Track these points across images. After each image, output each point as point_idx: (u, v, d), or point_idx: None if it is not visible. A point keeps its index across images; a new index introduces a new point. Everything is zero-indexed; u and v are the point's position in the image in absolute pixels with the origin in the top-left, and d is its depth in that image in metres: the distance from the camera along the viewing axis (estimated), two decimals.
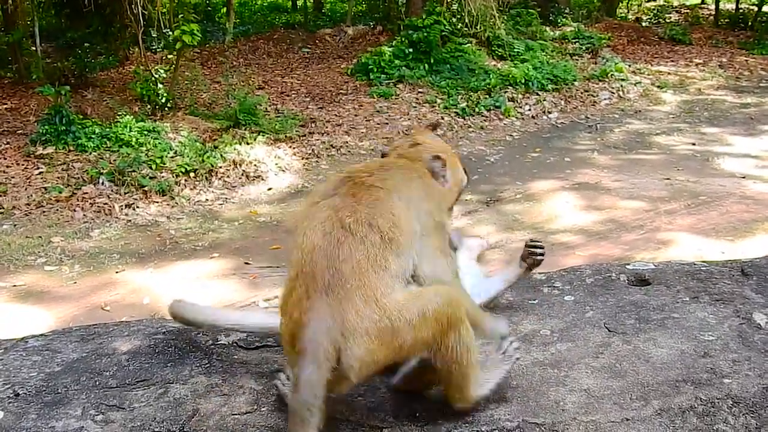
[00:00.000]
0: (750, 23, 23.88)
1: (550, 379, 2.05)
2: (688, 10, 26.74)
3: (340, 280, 1.80)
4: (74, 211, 10.14)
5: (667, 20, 25.10)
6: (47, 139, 11.39)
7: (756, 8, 24.55)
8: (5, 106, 13.69)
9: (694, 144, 13.55)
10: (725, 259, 2.79)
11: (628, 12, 26.48)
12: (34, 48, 14.83)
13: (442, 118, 14.50)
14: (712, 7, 25.98)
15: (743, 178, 11.35)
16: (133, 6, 12.63)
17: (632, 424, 1.88)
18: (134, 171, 10.79)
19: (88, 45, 16.23)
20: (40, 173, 10.85)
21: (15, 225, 9.69)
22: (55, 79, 13.24)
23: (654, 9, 27.01)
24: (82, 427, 1.96)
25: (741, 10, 25.16)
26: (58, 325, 7.23)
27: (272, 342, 2.39)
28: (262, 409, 2.01)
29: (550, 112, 15.60)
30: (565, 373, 2.08)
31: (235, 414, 1.99)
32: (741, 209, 9.98)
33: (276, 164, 11.88)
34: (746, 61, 20.48)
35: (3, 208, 10.03)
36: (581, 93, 16.61)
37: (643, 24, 24.41)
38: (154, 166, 11.00)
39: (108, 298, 7.88)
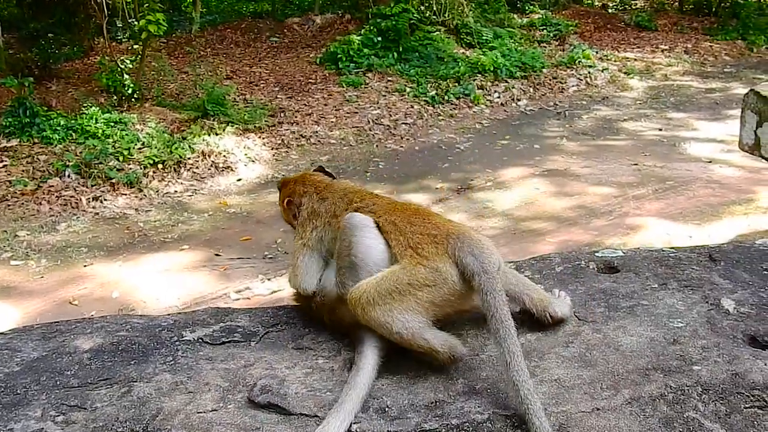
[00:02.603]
0: (714, 9, 24.06)
1: None
2: None
3: None
4: (40, 204, 10.00)
5: (633, 6, 25.24)
6: (11, 132, 11.20)
7: None
8: None
9: (660, 129, 13.65)
10: (693, 245, 2.77)
11: None
12: None
13: (412, 107, 14.48)
14: None
15: (710, 162, 11.46)
16: None
17: (603, 413, 1.86)
18: (101, 163, 10.65)
19: (52, 36, 15.98)
20: (4, 166, 10.66)
21: None
22: (18, 70, 13.00)
23: None
24: (42, 428, 1.90)
25: None
26: (25, 321, 7.16)
27: (239, 337, 2.35)
28: (229, 407, 1.96)
29: (518, 100, 15.62)
30: (535, 363, 2.05)
31: (201, 412, 1.94)
32: (707, 193, 10.08)
33: (245, 155, 11.79)
34: (711, 46, 20.65)
35: None
36: (549, 80, 16.65)
37: (610, 10, 24.50)
38: (121, 158, 10.88)
39: (76, 293, 7.80)
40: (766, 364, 1.97)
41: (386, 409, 1.92)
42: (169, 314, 2.59)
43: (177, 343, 2.31)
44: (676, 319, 2.22)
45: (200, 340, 2.33)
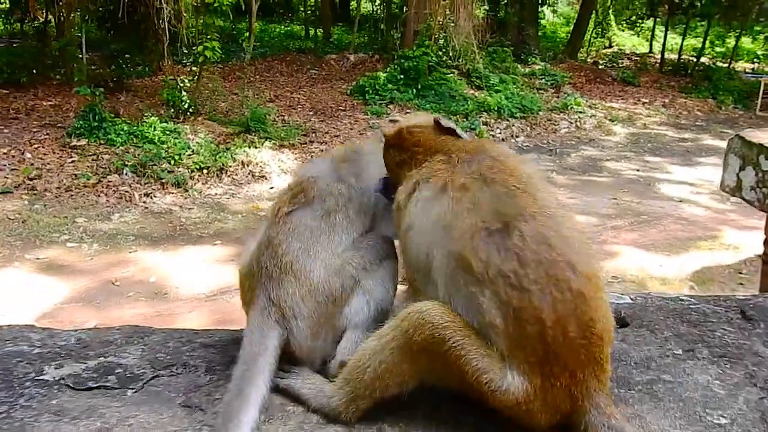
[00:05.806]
0: (690, 71, 23.56)
1: None
2: (638, 57, 26.45)
3: None
4: (99, 196, 9.72)
5: (620, 65, 24.79)
6: (81, 133, 10.97)
7: (695, 59, 24.30)
8: (50, 102, 13.22)
9: (638, 170, 13.20)
10: (716, 295, 1.93)
11: (587, 56, 26.10)
12: (80, 55, 14.30)
13: None
14: (659, 56, 25.70)
15: (680, 201, 10.99)
16: (160, 21, 12.06)
17: None
18: (155, 165, 10.36)
19: (128, 56, 15.82)
20: (72, 162, 10.41)
21: (45, 205, 9.26)
22: (96, 83, 12.79)
23: (609, 55, 26.71)
24: None
25: (682, 60, 24.88)
26: (73, 296, 6.80)
27: (113, 381, 1.62)
28: None
29: (517, 136, 15.20)
30: None
31: None
32: (677, 228, 9.61)
33: (279, 167, 11.42)
34: (685, 102, 20.18)
35: (36, 190, 9.59)
36: (544, 121, 16.22)
37: (600, 67, 24.06)
38: (172, 162, 10.57)
39: (119, 275, 7.45)
40: None
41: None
42: (71, 330, 1.81)
43: (28, 384, 1.57)
44: (715, 410, 1.34)
45: (61, 381, 1.58)
